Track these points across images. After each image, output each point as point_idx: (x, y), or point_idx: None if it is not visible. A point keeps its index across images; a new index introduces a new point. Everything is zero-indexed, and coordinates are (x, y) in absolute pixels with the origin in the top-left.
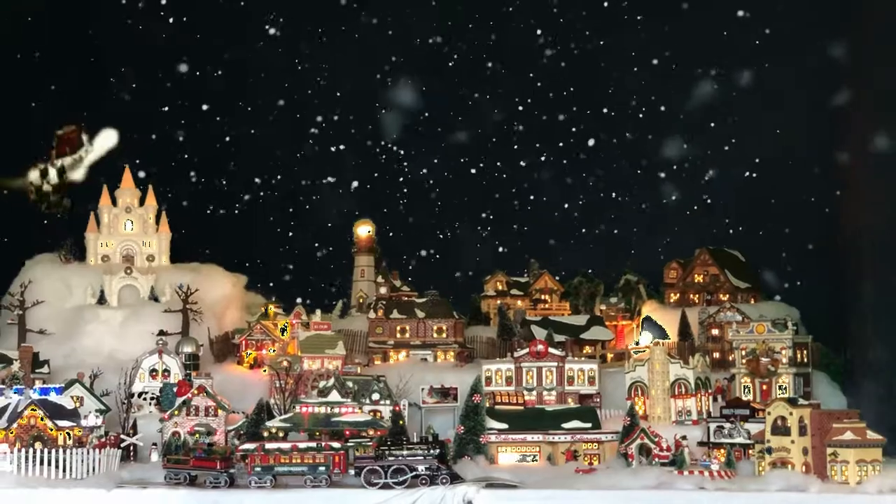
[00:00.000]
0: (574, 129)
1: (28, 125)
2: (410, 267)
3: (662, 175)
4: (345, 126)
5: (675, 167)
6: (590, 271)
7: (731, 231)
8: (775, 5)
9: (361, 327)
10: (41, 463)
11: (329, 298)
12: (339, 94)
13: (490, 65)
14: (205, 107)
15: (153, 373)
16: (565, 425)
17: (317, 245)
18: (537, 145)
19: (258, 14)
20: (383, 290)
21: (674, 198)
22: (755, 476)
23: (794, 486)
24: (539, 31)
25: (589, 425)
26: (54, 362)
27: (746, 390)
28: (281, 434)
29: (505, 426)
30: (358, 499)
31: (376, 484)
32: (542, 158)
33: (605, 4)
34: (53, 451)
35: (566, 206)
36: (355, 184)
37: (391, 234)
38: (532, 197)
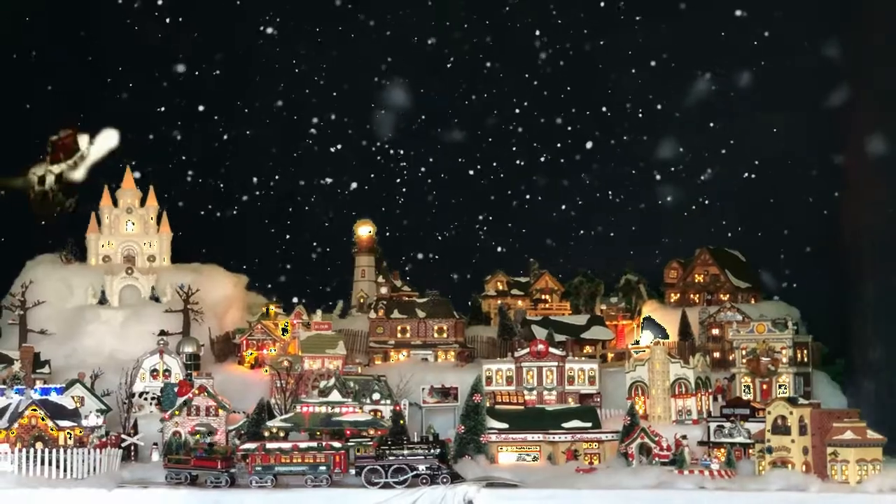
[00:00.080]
0: (571, 130)
1: (26, 126)
2: (407, 268)
3: (659, 177)
4: (342, 126)
5: (672, 169)
6: (590, 271)
7: (729, 234)
8: (774, 5)
9: (362, 327)
10: (42, 463)
11: (327, 299)
12: (335, 94)
13: (488, 65)
14: (201, 107)
15: (154, 373)
16: (565, 425)
17: (315, 245)
18: (535, 145)
19: (255, 14)
20: (384, 290)
21: (670, 199)
22: (755, 475)
23: (794, 486)
24: (537, 32)
25: (589, 425)
26: (55, 362)
27: (746, 390)
28: (282, 434)
29: (505, 426)
30: (358, 498)
31: (377, 483)
32: (542, 159)
33: (602, 4)
34: (54, 451)
35: (563, 206)
36: (354, 185)
37: (388, 233)
38: (528, 196)
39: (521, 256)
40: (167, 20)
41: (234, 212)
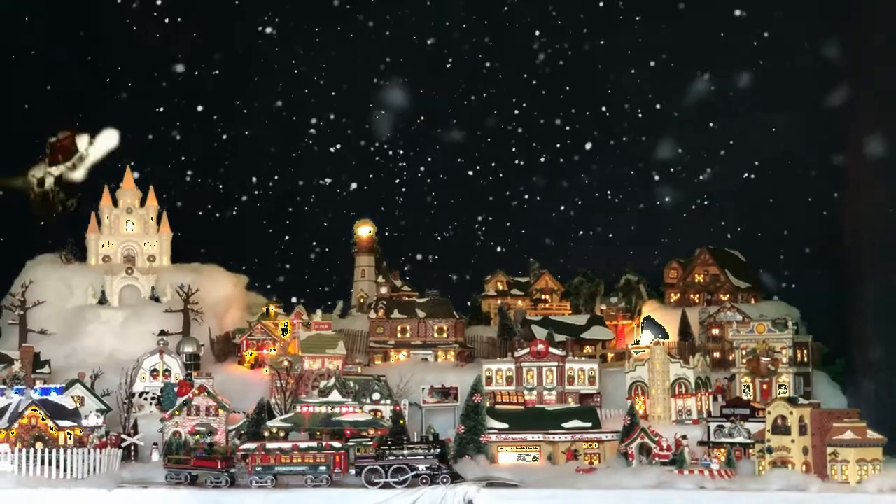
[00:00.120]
0: (570, 130)
1: (26, 126)
2: (406, 268)
3: (658, 177)
4: (341, 127)
5: (671, 169)
6: (590, 271)
7: (729, 235)
8: (774, 5)
9: (362, 327)
10: (42, 463)
11: (327, 299)
12: (334, 94)
13: (487, 65)
14: (200, 107)
15: (154, 373)
16: (565, 425)
17: (314, 245)
18: (535, 146)
19: (254, 15)
20: (384, 290)
21: (669, 199)
22: (755, 475)
23: (794, 486)
24: (536, 32)
25: (589, 425)
26: (55, 362)
27: (746, 390)
28: (282, 434)
29: (505, 426)
30: (358, 498)
31: (377, 483)
32: (542, 159)
33: (601, 5)
34: (54, 451)
35: (562, 207)
36: (353, 185)
37: (387, 233)
38: (527, 196)
39: (520, 256)
40: (166, 20)
41: (234, 212)
